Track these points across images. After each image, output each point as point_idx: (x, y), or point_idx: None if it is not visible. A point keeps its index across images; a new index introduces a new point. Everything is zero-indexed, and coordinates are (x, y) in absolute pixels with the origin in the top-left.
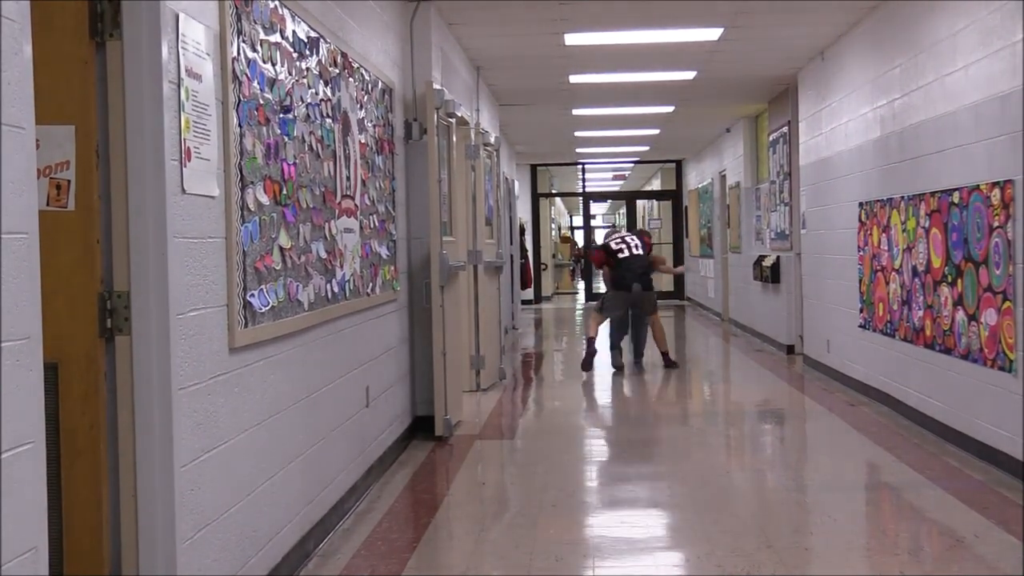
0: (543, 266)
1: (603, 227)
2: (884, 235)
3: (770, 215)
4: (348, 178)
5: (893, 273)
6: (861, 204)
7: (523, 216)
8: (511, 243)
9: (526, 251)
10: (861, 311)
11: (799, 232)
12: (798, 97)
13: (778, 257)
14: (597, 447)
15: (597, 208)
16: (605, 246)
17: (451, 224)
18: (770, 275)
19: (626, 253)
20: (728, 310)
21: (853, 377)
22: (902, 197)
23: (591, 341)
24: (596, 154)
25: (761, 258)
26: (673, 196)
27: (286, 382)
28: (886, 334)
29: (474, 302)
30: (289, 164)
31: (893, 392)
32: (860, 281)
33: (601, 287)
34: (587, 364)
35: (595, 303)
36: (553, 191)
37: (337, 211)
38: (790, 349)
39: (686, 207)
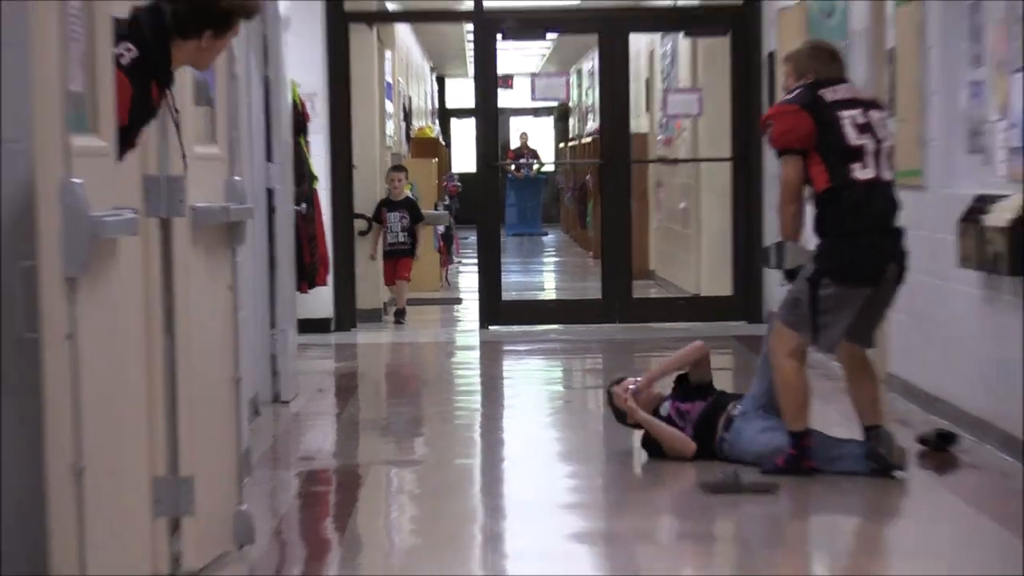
0: (363, 226)
1: (535, 110)
2: None
3: (1010, 82)
4: None
5: None
6: None
7: (305, 80)
8: (269, 158)
9: (312, 181)
10: None
11: None
12: None
13: None
14: None
15: (518, 58)
16: (816, 106)
17: (97, 103)
18: (1006, 253)
19: (869, 168)
20: (885, 347)
21: None
22: None
23: (801, 436)
24: None
25: (982, 205)
26: (735, 25)
27: None
28: None
29: (165, 327)
30: None
31: None
32: None
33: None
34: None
35: (789, 309)
36: (391, 6)
37: None
38: None
39: (771, 56)
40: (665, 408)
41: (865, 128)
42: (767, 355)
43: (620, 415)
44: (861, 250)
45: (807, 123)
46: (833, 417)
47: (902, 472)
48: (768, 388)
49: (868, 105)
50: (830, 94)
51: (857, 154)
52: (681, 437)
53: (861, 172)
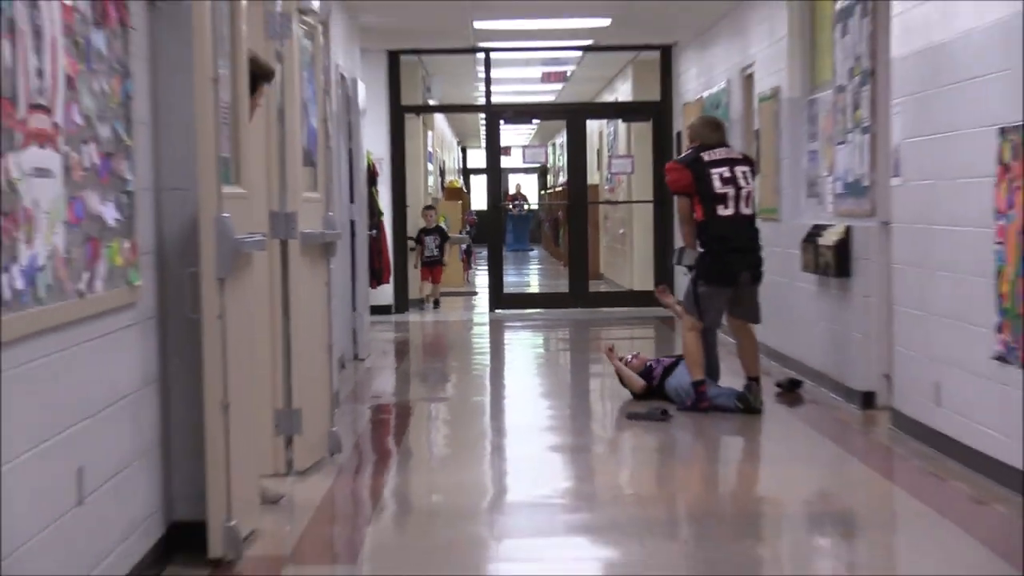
0: (412, 244)
1: (525, 169)
2: None
3: (834, 151)
4: (40, 73)
5: None
6: (1004, 132)
7: (375, 149)
8: (352, 200)
9: (379, 215)
10: (1000, 330)
11: (888, 183)
12: None
13: (848, 229)
14: None
15: (514, 135)
16: (696, 165)
17: (238, 163)
18: (832, 262)
19: (730, 208)
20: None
21: (984, 451)
22: None
23: (699, 384)
24: (512, 33)
25: (816, 231)
26: (656, 114)
27: None
28: None
29: (283, 311)
30: None
31: None
32: (999, 274)
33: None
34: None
35: (686, 301)
36: (431, 102)
37: (21, 136)
38: (868, 400)
39: (679, 134)
40: (649, 364)
41: (729, 180)
42: (703, 329)
43: (623, 381)
44: (721, 264)
45: (687, 176)
46: (721, 370)
47: (760, 412)
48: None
49: (737, 162)
50: (708, 156)
51: (722, 199)
52: (635, 379)
53: (723, 211)
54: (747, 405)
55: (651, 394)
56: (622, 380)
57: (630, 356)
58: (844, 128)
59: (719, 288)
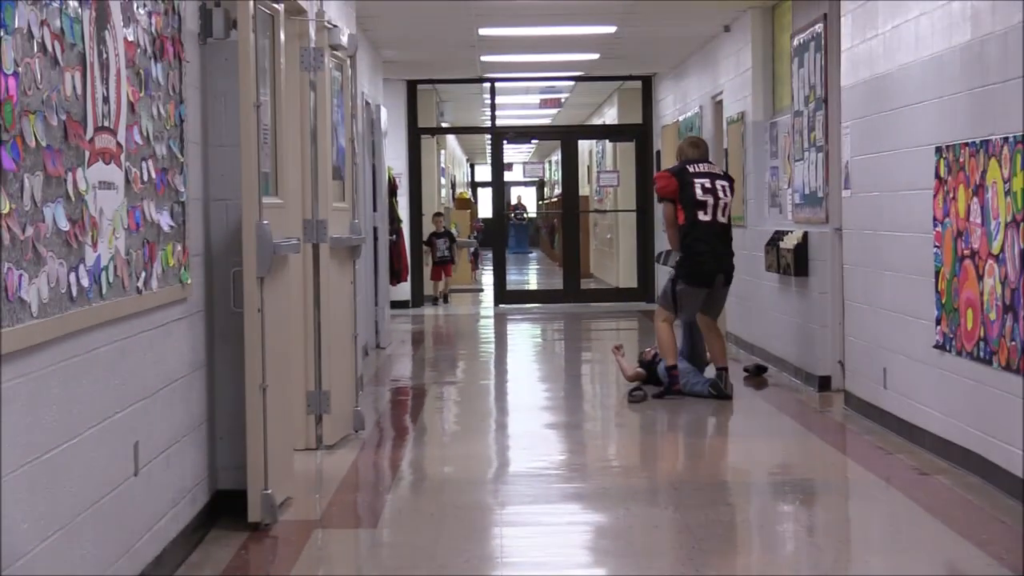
0: (427, 247)
1: (525, 182)
2: (976, 200)
3: (793, 167)
4: (106, 99)
5: (990, 261)
6: (940, 150)
7: (395, 165)
8: (375, 209)
9: (398, 222)
10: (939, 323)
11: (840, 195)
12: None
13: (806, 235)
14: (512, 541)
15: (515, 153)
16: (682, 175)
17: (276, 177)
18: (792, 263)
19: (709, 214)
20: (724, 318)
21: (925, 428)
22: (1005, 139)
23: (672, 368)
24: (514, 65)
25: (778, 236)
26: (638, 135)
27: None
28: (978, 359)
29: (314, 305)
30: (6, 75)
31: (988, 452)
32: (937, 274)
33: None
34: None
35: (662, 296)
36: (444, 124)
37: (88, 153)
38: (824, 383)
39: (658, 153)
40: (654, 352)
41: (709, 191)
42: (685, 323)
43: (637, 375)
44: (699, 266)
45: (673, 184)
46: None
47: (731, 397)
48: (685, 342)
49: (717, 177)
50: (692, 168)
51: (702, 206)
52: (630, 370)
53: (703, 216)
54: (719, 392)
55: (648, 380)
56: (623, 372)
57: (648, 349)
58: (801, 147)
59: (697, 288)
